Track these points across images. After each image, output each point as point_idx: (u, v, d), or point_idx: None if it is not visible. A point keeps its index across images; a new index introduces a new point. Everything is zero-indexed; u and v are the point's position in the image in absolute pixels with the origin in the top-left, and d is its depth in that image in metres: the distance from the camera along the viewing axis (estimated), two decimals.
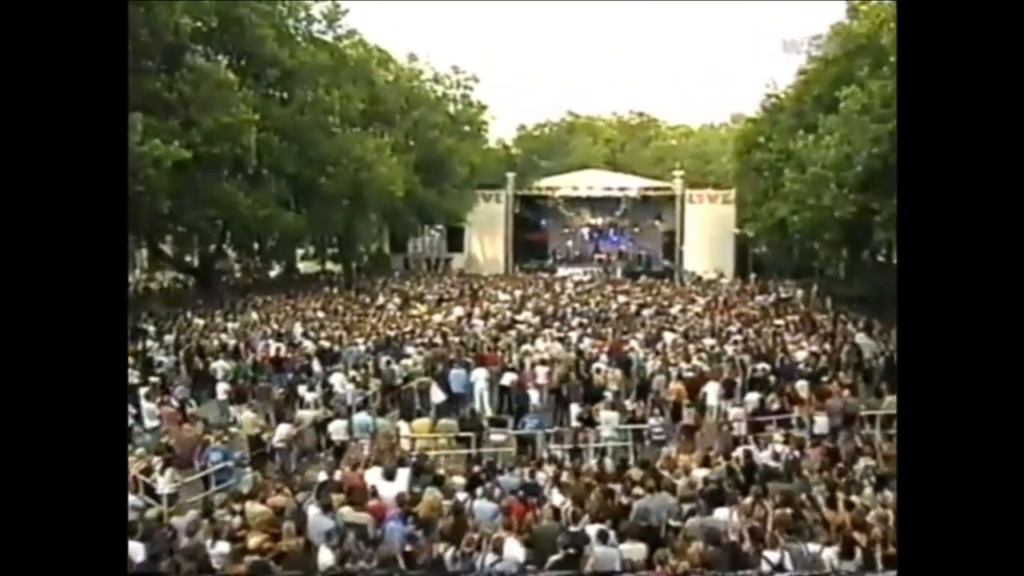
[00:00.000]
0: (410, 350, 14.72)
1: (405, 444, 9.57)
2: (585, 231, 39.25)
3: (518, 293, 25.28)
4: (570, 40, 74.35)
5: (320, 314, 18.85)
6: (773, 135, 22.39)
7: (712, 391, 11.59)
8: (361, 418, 9.60)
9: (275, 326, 17.01)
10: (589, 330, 17.34)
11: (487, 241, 36.98)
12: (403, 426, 9.82)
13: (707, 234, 32.68)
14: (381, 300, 22.75)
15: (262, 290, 23.76)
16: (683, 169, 36.39)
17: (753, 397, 10.92)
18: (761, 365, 13.01)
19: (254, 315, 18.64)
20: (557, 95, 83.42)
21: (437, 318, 19.39)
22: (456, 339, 16.19)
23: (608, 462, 7.89)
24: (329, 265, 32.24)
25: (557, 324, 18.50)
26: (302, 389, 11.44)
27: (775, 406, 10.67)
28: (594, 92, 78.62)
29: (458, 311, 20.79)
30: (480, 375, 12.92)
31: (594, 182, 35.04)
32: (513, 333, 17.07)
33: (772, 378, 12.28)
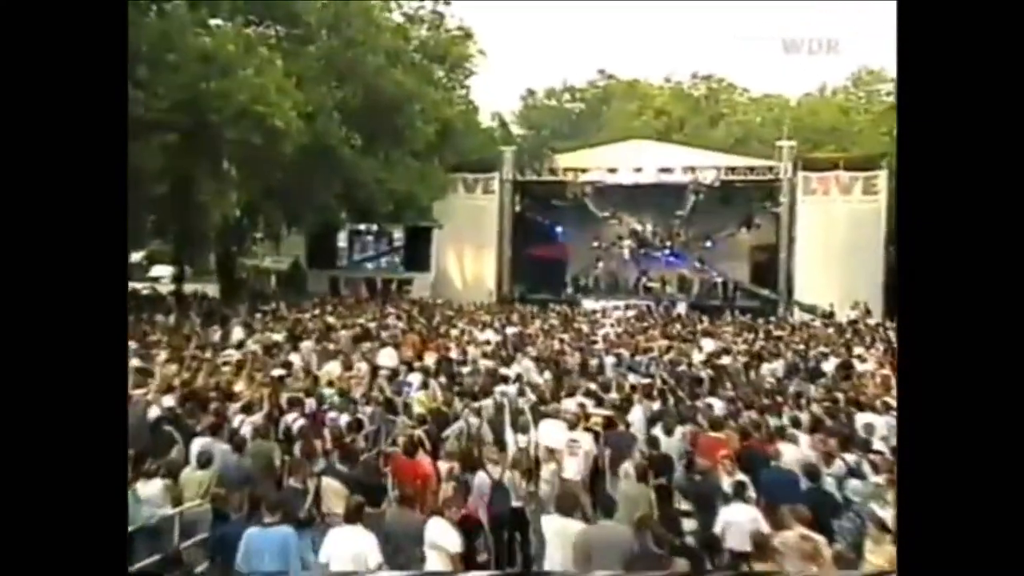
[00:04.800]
0: None
1: None
2: (627, 243, 31.66)
3: (478, 330, 17.40)
4: None
5: None
6: None
7: None
8: None
9: None
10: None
11: (469, 255, 29.46)
12: None
13: (834, 246, 24.95)
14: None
15: None
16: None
17: None
18: None
19: None
20: (584, 54, 74.05)
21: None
22: None
23: None
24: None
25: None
26: None
27: None
28: (637, 52, 70.83)
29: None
30: None
31: (642, 159, 27.50)
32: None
33: None
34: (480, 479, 6.46)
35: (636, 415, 9.05)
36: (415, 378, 11.06)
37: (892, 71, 36.67)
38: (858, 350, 15.70)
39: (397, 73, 23.78)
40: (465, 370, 12.18)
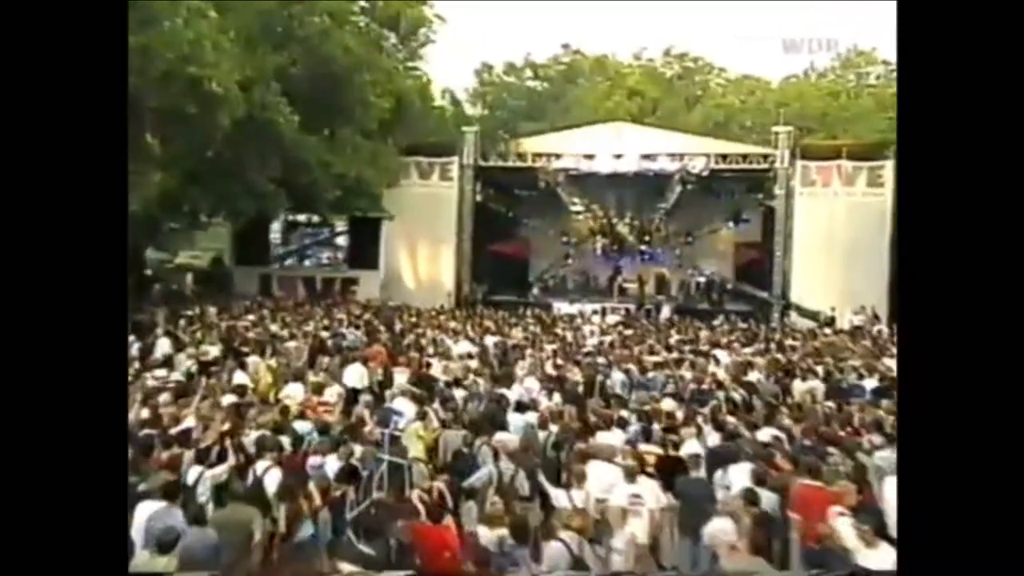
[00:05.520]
0: None
1: None
2: (600, 238, 30.82)
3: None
4: None
5: None
6: None
7: None
8: None
9: None
10: None
11: (424, 251, 28.07)
12: None
13: (835, 244, 24.58)
14: None
15: None
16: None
17: None
18: None
19: None
20: (546, 25, 72.03)
21: None
22: None
23: None
24: None
25: None
26: None
27: None
28: (604, 24, 69.58)
29: None
30: None
31: (624, 144, 26.57)
32: None
33: None
34: (555, 552, 5.20)
35: (693, 453, 7.95)
36: (404, 405, 9.70)
37: (883, 52, 37.07)
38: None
39: (345, 37, 22.20)
40: (458, 393, 10.87)
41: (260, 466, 6.94)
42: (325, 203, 22.96)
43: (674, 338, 18.34)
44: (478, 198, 28.16)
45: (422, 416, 8.98)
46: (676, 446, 8.01)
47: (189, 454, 6.82)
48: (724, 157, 26.00)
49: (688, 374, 12.96)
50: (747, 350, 16.67)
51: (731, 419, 9.54)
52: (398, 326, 18.01)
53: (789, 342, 18.14)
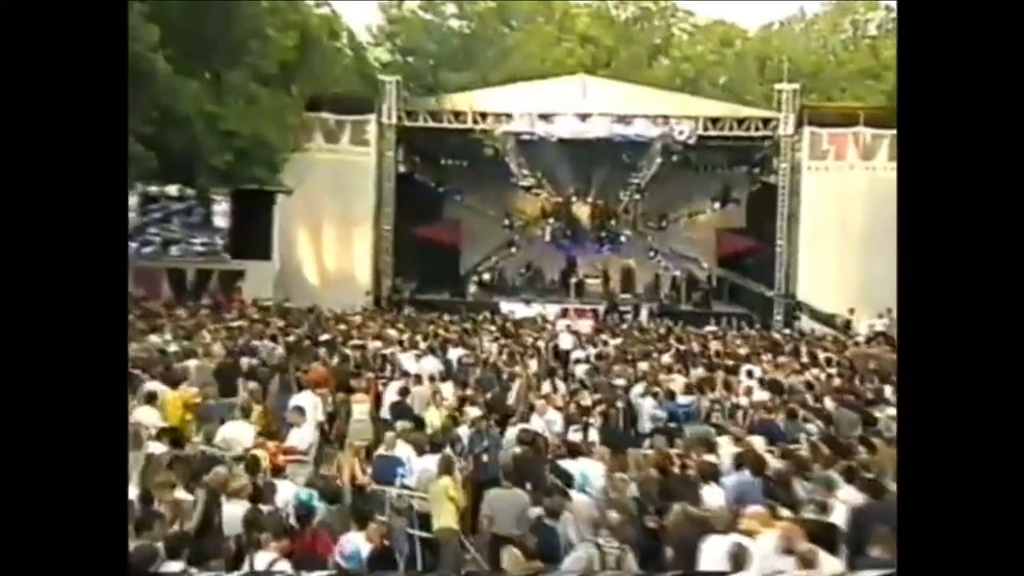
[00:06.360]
0: None
1: None
2: (552, 222, 30.30)
3: None
4: None
5: None
6: None
7: None
8: None
9: None
10: None
11: (330, 235, 27.16)
12: None
13: (850, 231, 24.75)
14: None
15: None
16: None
17: None
18: None
19: None
20: None
21: None
22: None
23: None
24: None
25: None
26: None
27: None
28: None
29: None
30: None
31: (591, 101, 25.86)
32: None
33: None
34: None
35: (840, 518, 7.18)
36: (405, 452, 8.56)
37: None
38: None
39: None
40: (464, 431, 9.78)
41: (261, 559, 5.70)
42: (210, 170, 21.23)
43: (674, 345, 17.89)
44: (401, 168, 27.21)
45: (446, 468, 7.85)
46: (822, 507, 7.19)
47: (158, 546, 5.49)
48: (715, 122, 25.69)
49: (743, 399, 12.30)
50: (771, 364, 16.24)
51: (842, 460, 8.88)
52: (324, 335, 16.70)
53: (822, 354, 17.85)
